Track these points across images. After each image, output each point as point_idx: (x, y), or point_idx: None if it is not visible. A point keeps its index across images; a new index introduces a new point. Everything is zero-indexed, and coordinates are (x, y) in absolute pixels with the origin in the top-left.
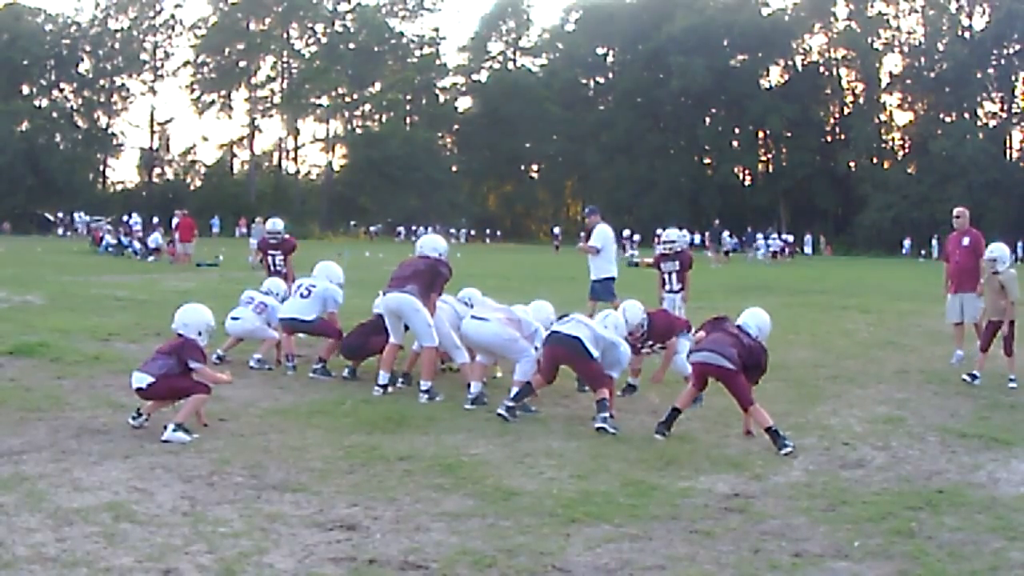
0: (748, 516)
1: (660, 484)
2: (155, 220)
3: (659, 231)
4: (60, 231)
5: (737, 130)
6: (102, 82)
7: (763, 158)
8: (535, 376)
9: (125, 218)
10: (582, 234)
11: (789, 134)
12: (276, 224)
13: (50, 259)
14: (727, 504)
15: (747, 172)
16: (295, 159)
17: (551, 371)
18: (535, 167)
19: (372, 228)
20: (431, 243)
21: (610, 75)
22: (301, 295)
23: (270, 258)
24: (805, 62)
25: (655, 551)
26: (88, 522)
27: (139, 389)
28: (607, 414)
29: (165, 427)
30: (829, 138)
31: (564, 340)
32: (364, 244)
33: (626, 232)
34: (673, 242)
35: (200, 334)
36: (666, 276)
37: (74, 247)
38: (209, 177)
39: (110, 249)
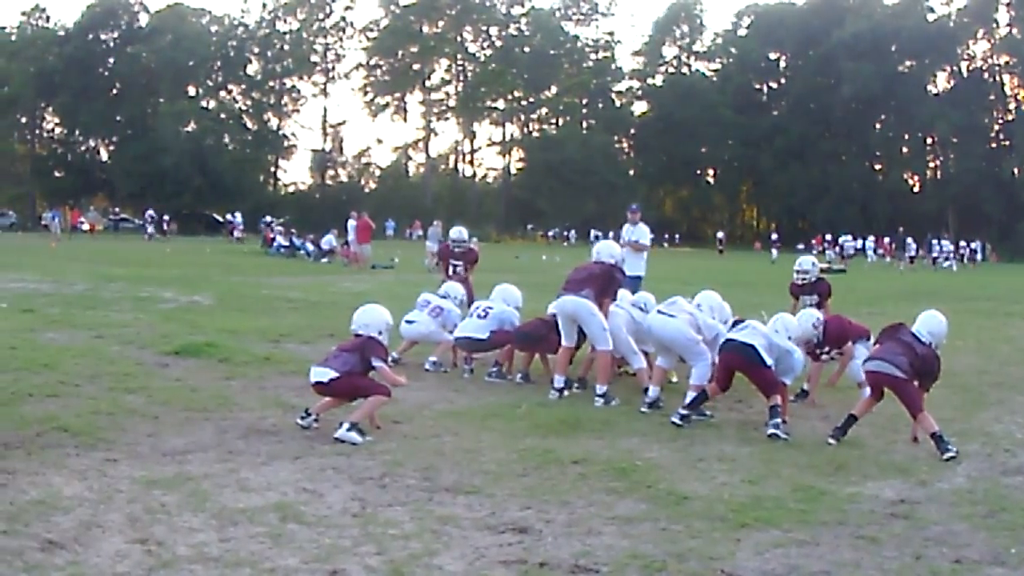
0: (912, 522)
1: (829, 489)
2: (276, 220)
3: (827, 236)
4: (234, 235)
5: (906, 136)
6: (271, 83)
7: (931, 164)
8: (710, 384)
9: (230, 217)
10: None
11: (956, 140)
12: (461, 233)
13: (219, 260)
14: (892, 510)
15: (916, 178)
16: (471, 162)
17: (726, 379)
18: (710, 171)
19: (551, 232)
20: (608, 249)
21: (782, 80)
22: (478, 316)
23: (451, 267)
24: (970, 68)
25: (821, 556)
26: (254, 522)
27: (319, 383)
28: (779, 420)
29: (340, 424)
30: (994, 144)
31: (739, 347)
32: (541, 248)
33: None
34: (807, 272)
35: (380, 334)
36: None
37: (244, 248)
38: (384, 179)
39: (281, 250)
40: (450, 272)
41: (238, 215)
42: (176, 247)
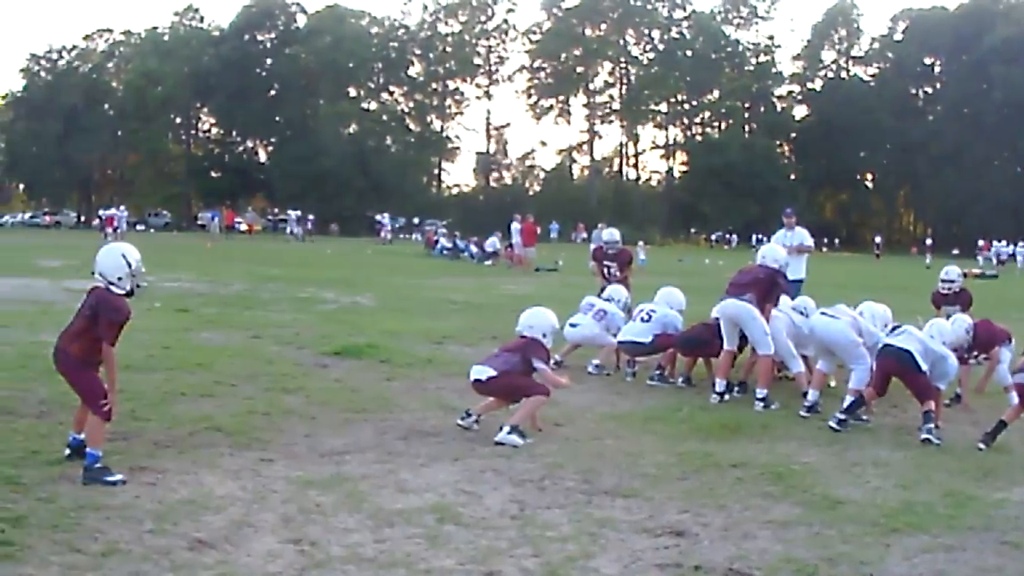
0: None
1: (977, 495)
2: (439, 223)
3: (981, 241)
4: (382, 235)
5: None
6: (434, 85)
7: None
8: (867, 388)
9: (378, 218)
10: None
11: None
12: (613, 234)
13: (380, 261)
14: None
15: None
16: (635, 165)
17: (883, 383)
18: (869, 176)
19: (713, 235)
20: (772, 254)
21: (937, 85)
22: (642, 319)
23: (605, 268)
24: None
25: (967, 562)
26: (410, 524)
27: (477, 381)
28: (932, 425)
29: (500, 427)
30: None
31: (896, 353)
32: (704, 251)
33: (981, 242)
34: (952, 282)
35: (544, 336)
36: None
37: (407, 250)
38: (548, 182)
39: (445, 252)
40: (605, 274)
41: (386, 216)
42: (336, 248)
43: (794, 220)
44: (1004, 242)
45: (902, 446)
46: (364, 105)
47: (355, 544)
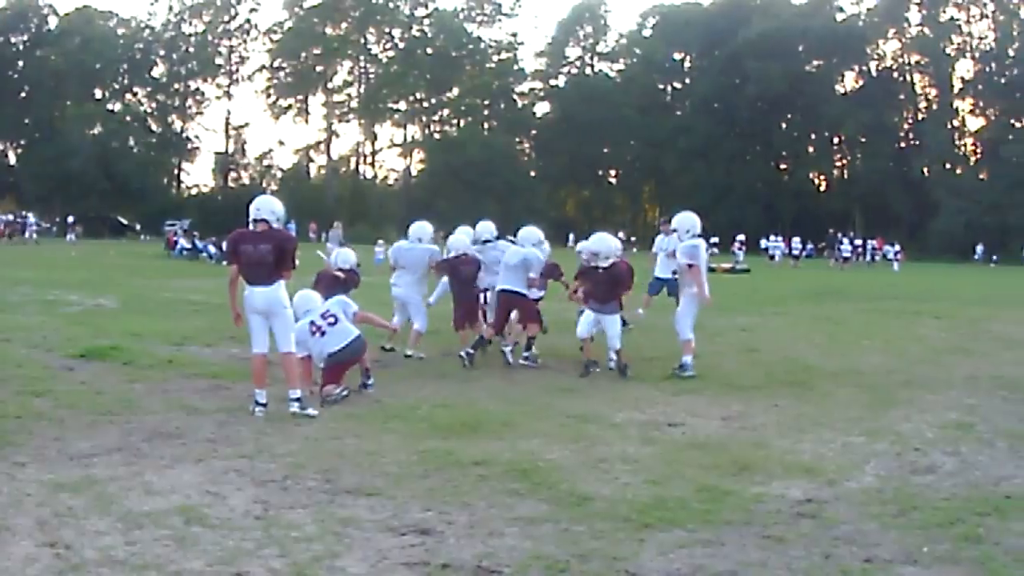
0: (820, 522)
1: (734, 490)
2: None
3: (738, 236)
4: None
5: (812, 136)
6: (176, 86)
7: (838, 164)
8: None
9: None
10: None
11: (864, 140)
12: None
13: (123, 263)
14: (799, 509)
15: (822, 177)
16: (373, 164)
17: (504, 319)
18: (612, 172)
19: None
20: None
21: (687, 80)
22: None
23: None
24: (879, 68)
25: (727, 556)
26: (159, 525)
27: None
28: (535, 350)
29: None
30: (903, 144)
31: (508, 293)
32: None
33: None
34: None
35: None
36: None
37: (148, 251)
38: (286, 182)
39: (184, 253)
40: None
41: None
42: (80, 250)
43: (671, 227)
44: (775, 236)
45: (651, 442)
46: (109, 106)
47: (107, 547)
